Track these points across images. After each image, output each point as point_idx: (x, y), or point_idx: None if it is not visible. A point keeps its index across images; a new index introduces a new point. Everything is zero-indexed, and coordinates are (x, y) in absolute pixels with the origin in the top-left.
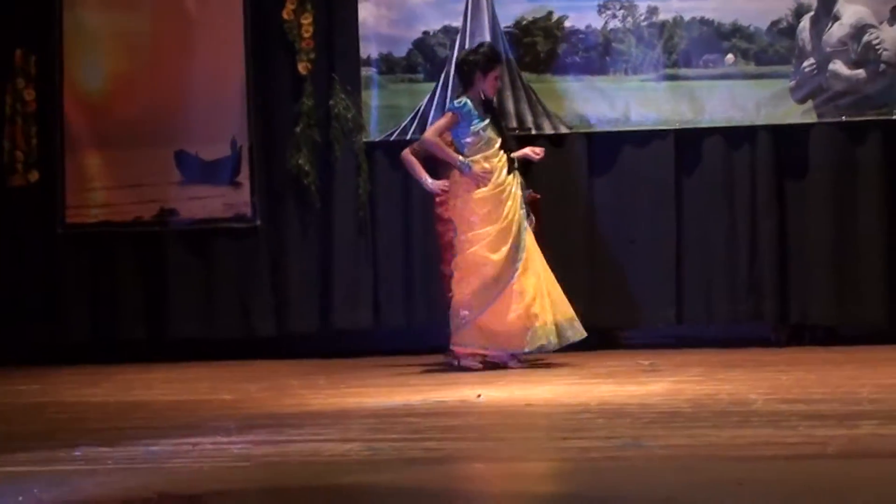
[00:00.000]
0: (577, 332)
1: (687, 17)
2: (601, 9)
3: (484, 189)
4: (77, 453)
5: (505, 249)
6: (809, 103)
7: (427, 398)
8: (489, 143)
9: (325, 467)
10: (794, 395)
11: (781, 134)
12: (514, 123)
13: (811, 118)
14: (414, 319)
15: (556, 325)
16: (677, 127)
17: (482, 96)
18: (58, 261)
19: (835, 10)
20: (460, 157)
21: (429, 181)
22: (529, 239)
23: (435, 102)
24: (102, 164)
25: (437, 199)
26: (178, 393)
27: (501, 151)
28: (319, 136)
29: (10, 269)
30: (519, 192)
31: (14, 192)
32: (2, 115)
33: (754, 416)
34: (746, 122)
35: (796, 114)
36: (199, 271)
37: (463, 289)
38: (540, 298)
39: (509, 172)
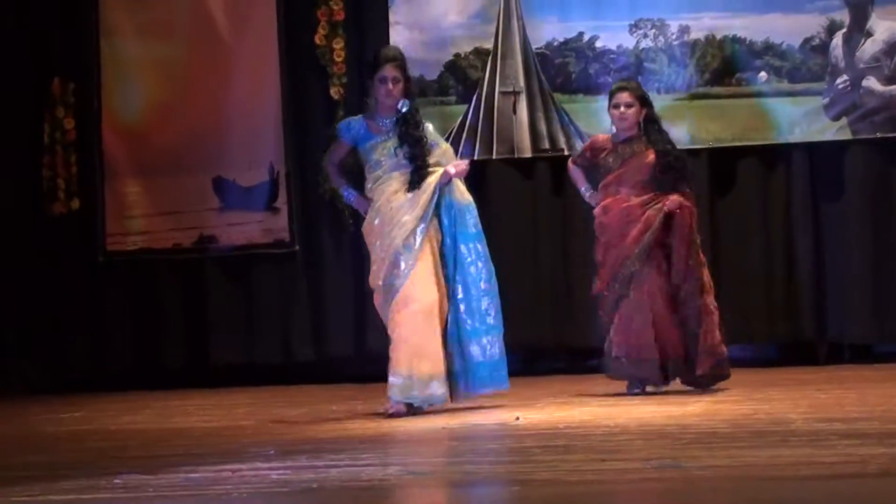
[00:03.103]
0: (424, 392)
1: (719, 36)
2: (632, 28)
3: (368, 220)
4: (118, 481)
5: (380, 284)
6: (844, 120)
7: (465, 421)
8: (377, 166)
9: (365, 492)
10: (832, 414)
11: (816, 152)
12: (546, 144)
13: (846, 135)
14: None
15: (406, 378)
16: (710, 146)
17: (380, 107)
18: (99, 288)
19: (868, 26)
20: (344, 186)
21: (586, 193)
22: (412, 276)
23: (467, 125)
24: (141, 192)
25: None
26: (218, 419)
27: (396, 174)
28: (352, 159)
29: (52, 296)
30: (409, 220)
31: (55, 220)
32: (41, 143)
33: (793, 435)
34: (780, 141)
35: (831, 131)
36: (239, 297)
37: None
38: (395, 349)
39: (410, 190)
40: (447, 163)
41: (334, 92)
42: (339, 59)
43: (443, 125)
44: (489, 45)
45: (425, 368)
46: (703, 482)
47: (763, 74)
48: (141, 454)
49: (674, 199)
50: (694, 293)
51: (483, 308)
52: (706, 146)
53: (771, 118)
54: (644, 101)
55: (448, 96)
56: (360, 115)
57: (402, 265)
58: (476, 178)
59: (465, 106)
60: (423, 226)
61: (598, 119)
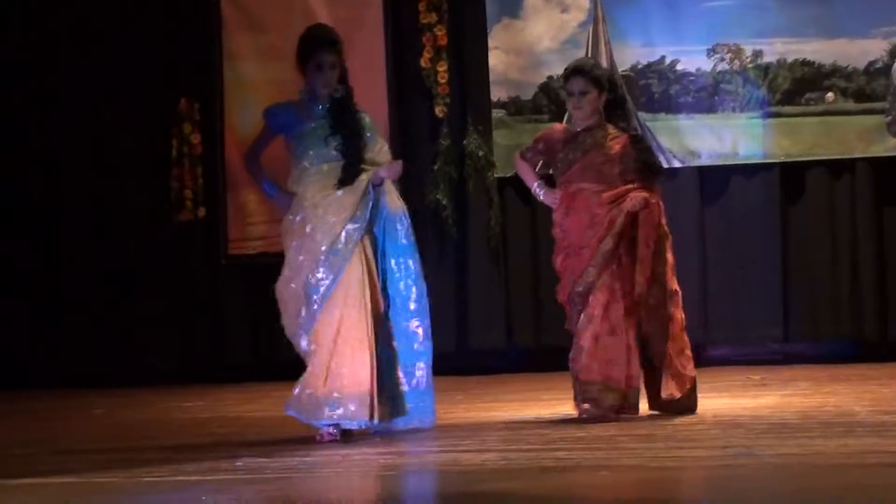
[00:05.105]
0: (349, 414)
1: (790, 59)
2: (710, 52)
3: (289, 217)
4: (238, 464)
5: (289, 291)
6: None
7: (556, 411)
8: (303, 157)
9: (464, 476)
10: (895, 407)
11: (879, 165)
12: None
13: None
14: (543, 340)
15: (320, 398)
16: (782, 160)
17: (316, 95)
18: (221, 288)
19: None
20: (263, 178)
21: (539, 191)
22: (339, 287)
23: None
24: (260, 201)
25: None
26: None
27: (325, 167)
28: (455, 173)
29: (180, 296)
30: (337, 221)
31: (183, 227)
32: (169, 157)
33: (859, 426)
34: (846, 155)
35: (893, 147)
36: None
37: None
38: (317, 364)
39: (341, 186)
40: (383, 160)
41: (439, 111)
42: (443, 81)
43: None
44: None
45: (346, 388)
46: (776, 469)
47: (830, 95)
48: (259, 439)
49: (636, 197)
50: (659, 303)
51: (411, 331)
52: (778, 160)
53: (838, 135)
54: (602, 84)
55: (541, 114)
56: (287, 101)
57: (327, 273)
58: None
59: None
60: (352, 227)
61: (679, 136)
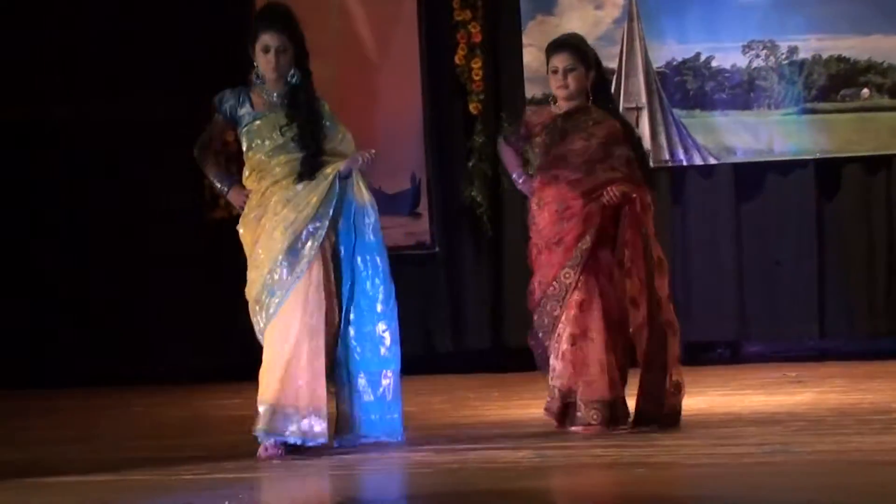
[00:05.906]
0: (298, 428)
1: (825, 56)
2: (745, 49)
3: (245, 214)
4: (276, 461)
5: (253, 294)
6: None
7: None
8: (258, 148)
9: (501, 473)
10: None
11: None
12: (666, 156)
13: None
14: None
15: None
16: (817, 156)
17: (267, 81)
18: None
19: None
20: (216, 173)
21: (519, 180)
22: (296, 291)
23: None
24: None
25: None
26: None
27: (283, 158)
28: (489, 170)
29: (211, 292)
30: (298, 218)
31: (216, 224)
32: None
33: None
34: (882, 151)
35: None
36: None
37: None
38: (270, 373)
39: (300, 180)
40: (346, 150)
41: (473, 108)
42: (478, 78)
43: None
44: (614, 65)
45: (302, 401)
46: (812, 466)
47: (865, 91)
48: None
49: (613, 191)
50: (653, 311)
51: (377, 335)
52: (814, 157)
53: (873, 131)
54: (590, 62)
55: None
56: (240, 87)
57: (286, 274)
58: None
59: None
60: (314, 226)
61: (715, 132)
